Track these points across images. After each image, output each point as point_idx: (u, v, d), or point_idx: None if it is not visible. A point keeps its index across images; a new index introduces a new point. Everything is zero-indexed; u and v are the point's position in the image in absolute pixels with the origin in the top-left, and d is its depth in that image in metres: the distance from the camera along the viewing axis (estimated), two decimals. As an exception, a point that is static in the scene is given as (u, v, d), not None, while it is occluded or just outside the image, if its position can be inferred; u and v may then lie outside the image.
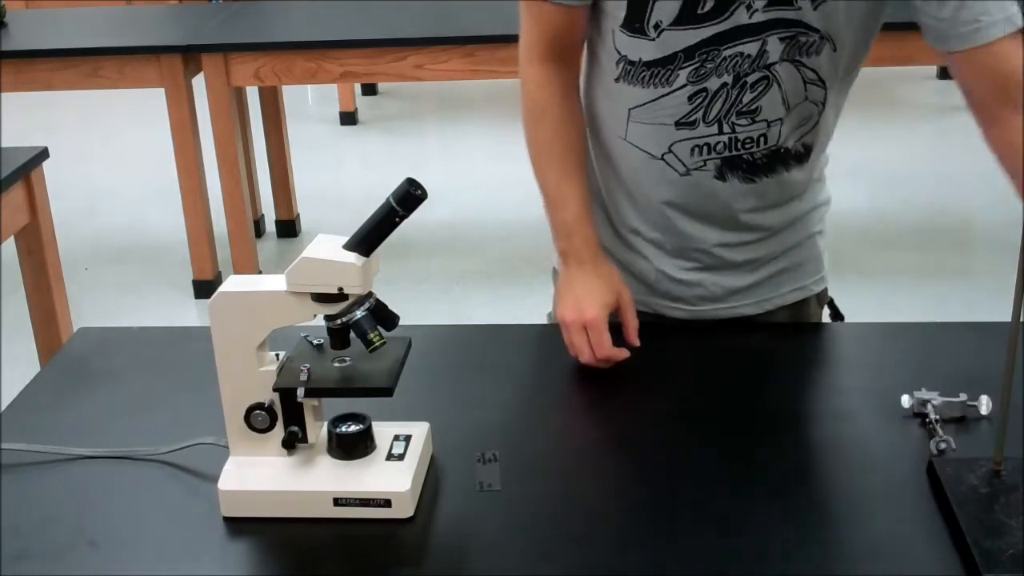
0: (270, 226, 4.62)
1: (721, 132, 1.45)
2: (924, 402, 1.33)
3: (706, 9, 1.37)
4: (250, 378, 1.19)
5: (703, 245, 1.56)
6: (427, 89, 6.37)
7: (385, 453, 1.22)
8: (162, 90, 3.77)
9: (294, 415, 1.20)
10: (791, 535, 1.15)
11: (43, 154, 2.87)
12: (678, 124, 1.46)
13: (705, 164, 1.48)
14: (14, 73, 3.73)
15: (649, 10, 1.39)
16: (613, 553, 1.13)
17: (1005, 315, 1.15)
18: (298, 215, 4.61)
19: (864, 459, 1.27)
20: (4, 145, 2.91)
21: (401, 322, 1.21)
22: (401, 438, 1.24)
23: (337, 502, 1.18)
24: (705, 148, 1.47)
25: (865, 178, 4.75)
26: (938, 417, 1.30)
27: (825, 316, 1.69)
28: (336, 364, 1.22)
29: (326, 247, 1.16)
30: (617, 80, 1.47)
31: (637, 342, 1.47)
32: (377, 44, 3.71)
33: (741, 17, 1.37)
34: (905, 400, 1.34)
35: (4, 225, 2.72)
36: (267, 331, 1.19)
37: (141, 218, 4.75)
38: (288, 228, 4.57)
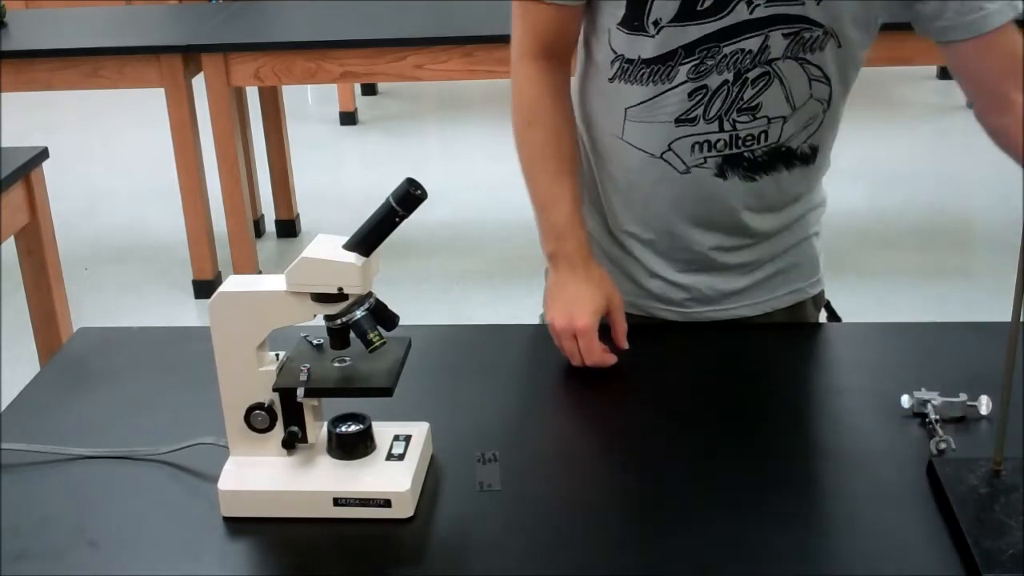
0: (270, 226, 4.62)
1: (722, 129, 1.45)
2: (924, 402, 1.33)
3: (706, 5, 1.37)
4: (250, 378, 1.19)
5: (699, 248, 1.55)
6: (427, 89, 6.37)
7: (385, 453, 1.22)
8: (162, 90, 3.77)
9: (294, 415, 1.20)
10: (791, 535, 1.15)
11: (43, 154, 2.87)
12: (678, 121, 1.45)
13: (705, 161, 1.48)
14: (14, 73, 3.73)
15: (648, 7, 1.38)
16: (613, 553, 1.13)
17: (1005, 315, 1.15)
18: (298, 215, 4.61)
19: (864, 459, 1.27)
20: (4, 145, 2.91)
21: (401, 322, 1.21)
22: (401, 438, 1.24)
23: (337, 502, 1.18)
24: (705, 145, 1.46)
25: (865, 178, 4.75)
26: (938, 417, 1.30)
27: (822, 319, 1.69)
28: (336, 364, 1.22)
29: (326, 247, 1.16)
30: (612, 80, 1.47)
31: (626, 346, 1.47)
32: (377, 44, 3.71)
33: (742, 13, 1.36)
34: (905, 400, 1.34)
35: (4, 225, 2.72)
36: (267, 331, 1.18)
37: (141, 218, 4.75)
38: (288, 228, 4.57)
